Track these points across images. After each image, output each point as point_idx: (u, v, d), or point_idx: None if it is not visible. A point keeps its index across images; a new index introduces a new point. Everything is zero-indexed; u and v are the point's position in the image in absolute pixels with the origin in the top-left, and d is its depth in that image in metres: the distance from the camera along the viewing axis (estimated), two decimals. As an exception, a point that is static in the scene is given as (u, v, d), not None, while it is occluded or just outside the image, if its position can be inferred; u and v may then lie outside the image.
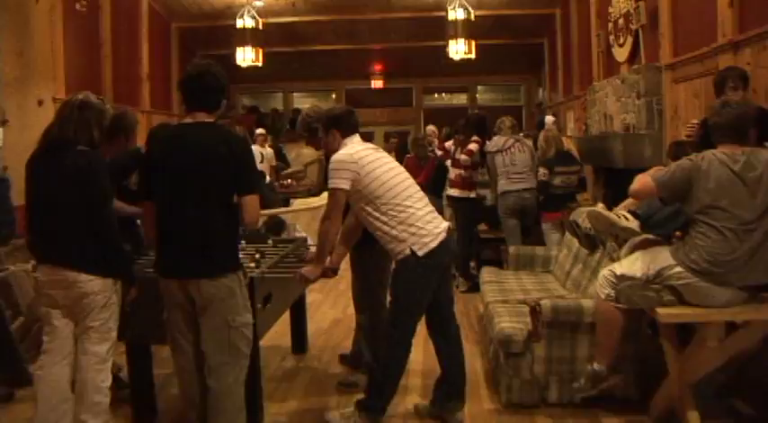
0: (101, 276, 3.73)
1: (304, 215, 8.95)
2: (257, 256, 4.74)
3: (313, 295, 7.16)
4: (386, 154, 4.33)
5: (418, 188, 4.29)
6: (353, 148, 4.19)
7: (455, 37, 11.82)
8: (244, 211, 3.57)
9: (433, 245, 4.05)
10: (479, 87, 18.68)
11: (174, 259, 3.59)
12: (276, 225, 7.70)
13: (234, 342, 3.61)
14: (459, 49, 11.84)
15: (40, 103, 8.68)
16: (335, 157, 4.16)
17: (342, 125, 4.31)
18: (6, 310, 5.26)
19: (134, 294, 3.91)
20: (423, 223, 4.09)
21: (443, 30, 12.20)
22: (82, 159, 3.72)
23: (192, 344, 3.67)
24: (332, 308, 7.18)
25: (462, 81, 17.62)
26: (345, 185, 4.06)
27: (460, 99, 18.85)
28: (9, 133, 8.32)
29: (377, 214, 4.09)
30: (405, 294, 4.12)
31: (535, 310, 4.42)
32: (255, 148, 10.64)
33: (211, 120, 3.65)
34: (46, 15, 9.23)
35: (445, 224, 4.23)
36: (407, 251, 4.03)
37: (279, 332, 5.31)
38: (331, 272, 4.35)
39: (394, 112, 17.92)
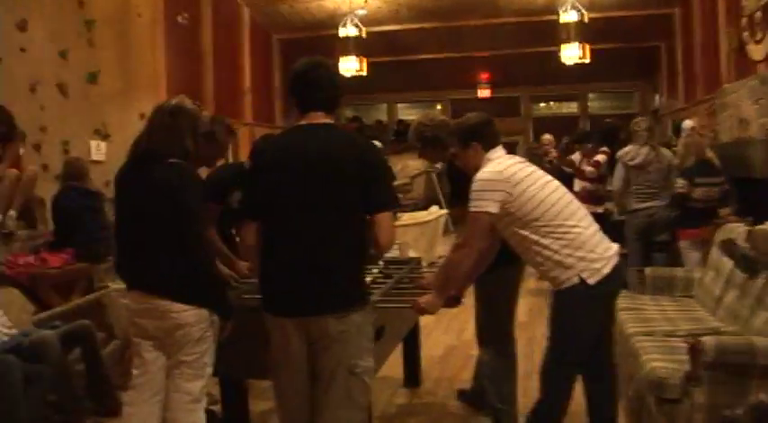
0: (196, 306, 3.24)
1: (411, 231, 8.40)
2: (368, 277, 4.19)
3: (424, 319, 6.58)
4: (536, 167, 3.70)
5: (580, 204, 3.67)
6: (501, 164, 3.57)
7: (567, 41, 11.16)
8: (377, 231, 2.97)
9: (606, 271, 3.43)
10: (590, 95, 17.82)
11: (288, 293, 3.03)
12: None
13: (353, 394, 3.04)
14: (571, 54, 11.20)
15: (142, 116, 8.45)
16: (480, 175, 3.52)
17: (482, 137, 3.69)
18: (99, 333, 4.96)
19: (230, 329, 3.38)
20: (591, 246, 3.46)
21: (553, 34, 11.57)
22: (171, 173, 3.26)
23: (301, 390, 3.13)
24: (445, 333, 6.58)
25: (572, 88, 16.82)
26: (493, 208, 3.44)
27: (570, 107, 18.03)
28: (111, 147, 8.18)
29: (535, 238, 3.47)
30: (571, 329, 3.51)
31: (695, 349, 3.71)
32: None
33: (330, 121, 3.12)
34: (147, 29, 9.12)
35: (615, 247, 3.60)
36: (575, 279, 3.41)
37: (388, 361, 4.74)
38: (453, 301, 3.76)
39: (500, 122, 17.16)
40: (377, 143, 10.89)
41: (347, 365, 3.00)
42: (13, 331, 4.76)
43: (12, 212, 6.17)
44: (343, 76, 12.00)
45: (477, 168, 3.59)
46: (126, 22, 8.80)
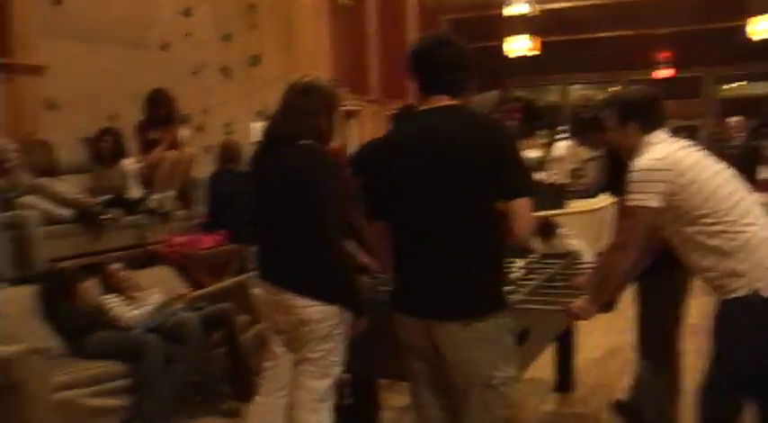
0: (323, 303, 3.03)
1: (578, 220, 7.86)
2: (516, 273, 3.83)
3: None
4: (707, 153, 3.13)
5: (756, 198, 3.12)
6: (663, 150, 3.04)
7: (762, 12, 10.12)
8: (513, 219, 2.61)
9: None
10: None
11: (415, 292, 2.75)
12: (545, 230, 6.42)
13: (490, 407, 2.70)
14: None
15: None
16: (639, 164, 3.02)
17: (644, 116, 3.15)
18: (243, 316, 4.93)
19: (362, 326, 3.14)
20: None
21: (741, 8, 10.51)
22: (301, 156, 3.06)
23: (438, 397, 2.84)
24: (606, 334, 6.01)
25: (764, 66, 15.38)
26: (654, 202, 2.94)
27: (762, 88, 16.51)
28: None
29: (701, 239, 2.96)
30: (737, 347, 2.97)
31: None
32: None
33: (455, 103, 2.77)
34: (310, 11, 9.09)
35: None
36: (746, 290, 2.89)
37: (538, 362, 4.36)
38: (606, 306, 3.31)
39: (681, 104, 16.05)
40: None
41: (481, 377, 2.67)
42: (166, 309, 4.83)
43: (170, 193, 6.31)
44: (511, 59, 11.65)
45: (631, 151, 3.12)
46: (288, 6, 8.83)
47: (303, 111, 3.13)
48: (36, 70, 6.24)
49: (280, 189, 3.09)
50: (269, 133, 3.25)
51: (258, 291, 3.34)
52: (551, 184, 9.57)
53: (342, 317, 3.07)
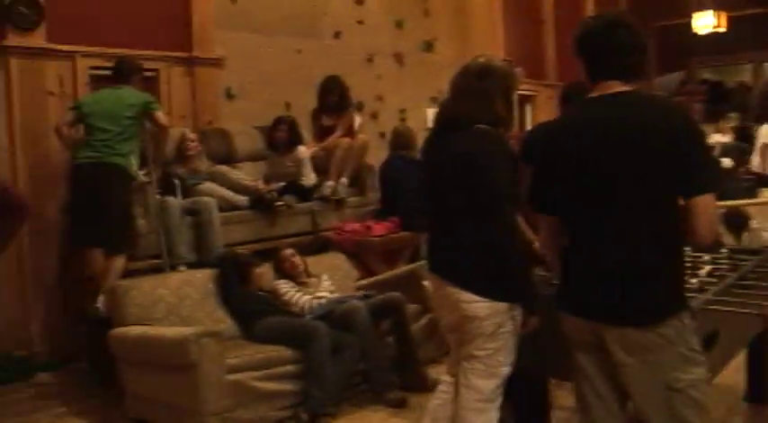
0: (489, 299, 2.82)
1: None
2: (703, 270, 3.44)
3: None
4: None
5: None
6: None
7: None
8: (694, 218, 2.30)
9: None
10: None
11: (585, 293, 2.47)
12: (735, 222, 5.82)
13: (678, 411, 2.39)
14: None
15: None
16: None
17: None
18: (413, 305, 4.82)
19: (534, 325, 2.91)
20: None
21: None
22: (475, 141, 2.86)
23: (609, 401, 2.55)
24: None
25: None
26: None
27: None
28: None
29: None
30: None
31: None
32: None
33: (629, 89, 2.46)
34: (484, -4, 8.88)
35: None
36: None
37: (728, 369, 3.91)
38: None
39: None
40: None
41: (664, 381, 2.37)
42: (335, 295, 4.82)
43: (343, 180, 6.32)
44: (697, 37, 10.79)
45: None
46: (462, -9, 8.67)
47: (478, 94, 2.93)
48: (215, 62, 6.45)
49: (450, 176, 2.92)
50: (440, 118, 3.09)
51: (427, 283, 3.19)
52: (748, 172, 8.75)
53: (511, 314, 2.85)
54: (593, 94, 2.48)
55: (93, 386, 4.88)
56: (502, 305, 2.82)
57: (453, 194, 2.89)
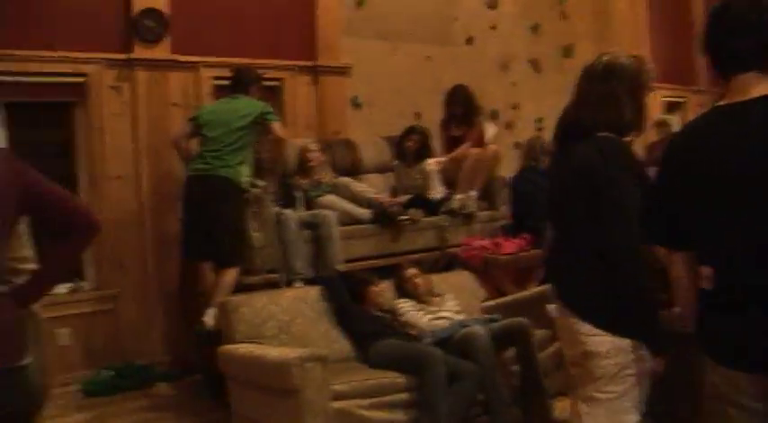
0: (611, 333, 2.42)
1: None
2: None
3: None
4: None
5: None
6: None
7: None
8: None
9: None
10: None
11: (743, 339, 1.94)
12: None
13: None
14: None
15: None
16: None
17: None
18: (542, 330, 4.41)
19: (660, 368, 2.45)
20: None
21: None
22: (596, 152, 2.46)
23: None
24: None
25: None
26: None
27: None
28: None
29: None
30: None
31: None
32: None
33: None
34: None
35: None
36: None
37: None
38: None
39: None
40: None
41: None
42: (459, 317, 4.49)
43: (473, 193, 5.96)
44: None
45: None
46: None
47: (601, 97, 2.54)
48: (341, 71, 6.30)
49: (569, 192, 2.54)
50: (559, 126, 2.71)
51: (552, 308, 2.80)
52: None
53: (636, 354, 2.42)
54: (722, 103, 2.00)
55: (207, 400, 4.79)
56: (624, 342, 2.40)
57: (570, 212, 2.51)
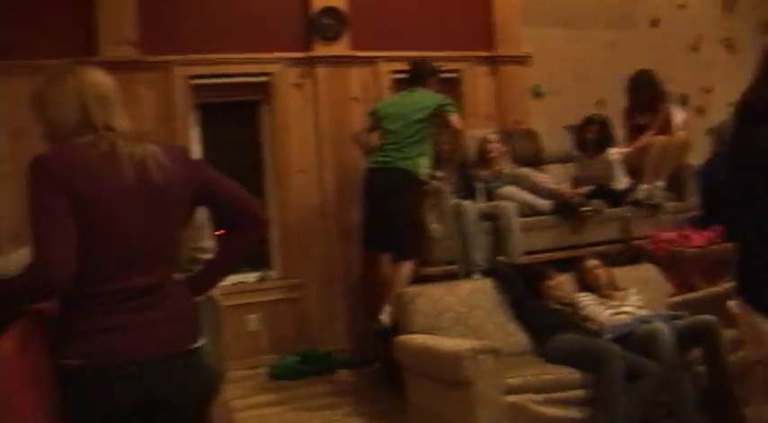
0: None
1: None
2: None
3: None
4: None
5: None
6: None
7: None
8: None
9: None
10: None
11: None
12: None
13: None
14: None
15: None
16: None
17: None
18: (731, 330, 4.12)
19: None
20: None
21: None
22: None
23: None
24: None
25: None
26: None
27: None
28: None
29: None
30: None
31: None
32: None
33: None
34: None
35: None
36: None
37: None
38: None
39: None
40: None
41: None
42: (642, 312, 4.32)
43: (659, 183, 5.68)
44: None
45: None
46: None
47: None
48: (521, 60, 6.20)
49: (750, 178, 2.35)
50: (738, 108, 2.51)
51: (732, 304, 2.61)
52: None
53: None
54: None
55: (385, 389, 4.89)
56: None
57: (752, 202, 2.32)
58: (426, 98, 5.01)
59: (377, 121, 5.09)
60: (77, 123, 2.03)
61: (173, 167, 2.08)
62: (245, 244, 2.32)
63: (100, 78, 2.11)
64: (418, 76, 5.12)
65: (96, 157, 1.99)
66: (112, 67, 5.04)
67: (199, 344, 2.15)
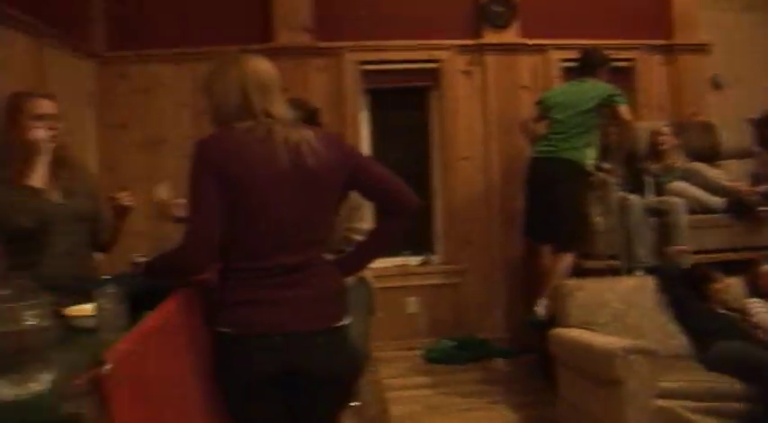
0: None
1: None
2: None
3: None
4: None
5: None
6: None
7: None
8: None
9: None
10: None
11: None
12: None
13: None
14: None
15: None
16: None
17: None
18: None
19: None
20: None
21: None
22: None
23: None
24: None
25: None
26: None
27: None
28: None
29: None
30: None
31: None
32: None
33: None
34: None
35: None
36: None
37: None
38: None
39: None
40: None
41: None
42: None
43: None
44: None
45: None
46: None
47: None
48: (699, 48, 5.89)
49: None
50: None
51: None
52: None
53: None
54: None
55: (538, 380, 4.86)
56: None
57: None
58: (596, 88, 4.88)
59: (544, 110, 5.02)
60: (238, 109, 2.18)
61: (326, 153, 2.19)
62: (396, 229, 2.39)
63: (262, 67, 2.25)
64: (588, 65, 5.00)
65: (253, 141, 2.13)
66: (287, 53, 5.41)
67: (343, 323, 2.25)
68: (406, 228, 2.39)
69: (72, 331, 2.08)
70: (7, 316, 1.82)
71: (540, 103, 5.10)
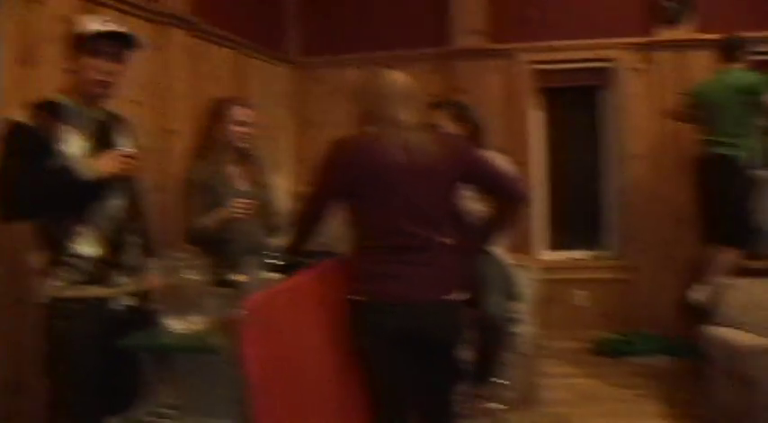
0: None
1: None
2: None
3: None
4: None
5: None
6: None
7: None
8: None
9: None
10: None
11: None
12: None
13: None
14: None
15: None
16: None
17: None
18: None
19: None
20: None
21: None
22: None
23: None
24: None
25: None
26: None
27: None
28: None
29: None
30: None
31: None
32: None
33: None
34: None
35: None
36: None
37: None
38: None
39: None
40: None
41: None
42: None
43: None
44: None
45: None
46: None
47: None
48: None
49: None
50: None
51: None
52: None
53: None
54: None
55: (698, 379, 4.80)
56: None
57: None
58: (741, 78, 4.70)
59: (694, 105, 4.95)
60: (372, 115, 2.62)
61: (440, 151, 2.59)
62: (506, 218, 2.78)
63: (398, 80, 2.69)
64: (728, 52, 4.80)
65: (380, 143, 2.56)
66: (464, 55, 5.74)
67: (453, 297, 2.63)
68: (514, 217, 2.72)
69: (233, 289, 2.61)
70: (174, 272, 2.41)
71: (689, 97, 5.00)
